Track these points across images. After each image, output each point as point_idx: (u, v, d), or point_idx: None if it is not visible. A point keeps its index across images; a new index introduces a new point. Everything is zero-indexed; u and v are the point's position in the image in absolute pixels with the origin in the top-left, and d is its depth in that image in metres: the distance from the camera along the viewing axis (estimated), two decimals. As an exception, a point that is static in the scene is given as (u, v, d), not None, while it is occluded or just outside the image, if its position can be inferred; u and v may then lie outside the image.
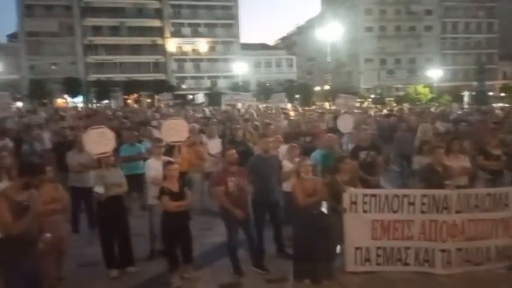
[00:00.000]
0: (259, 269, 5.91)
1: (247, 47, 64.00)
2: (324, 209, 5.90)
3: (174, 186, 5.65)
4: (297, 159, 6.39)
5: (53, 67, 57.18)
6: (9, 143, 9.05)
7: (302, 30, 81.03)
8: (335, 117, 12.48)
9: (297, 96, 50.43)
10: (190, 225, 5.88)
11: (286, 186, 6.54)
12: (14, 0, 55.18)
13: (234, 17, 63.04)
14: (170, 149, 7.38)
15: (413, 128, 11.68)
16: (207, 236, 7.20)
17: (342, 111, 14.73)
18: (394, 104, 41.63)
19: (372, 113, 21.95)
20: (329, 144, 7.47)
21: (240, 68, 52.95)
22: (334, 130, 9.50)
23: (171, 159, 6.47)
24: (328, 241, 5.57)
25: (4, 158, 5.45)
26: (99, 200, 5.95)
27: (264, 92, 49.74)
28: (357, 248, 5.72)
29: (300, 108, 24.89)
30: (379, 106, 34.39)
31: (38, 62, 56.75)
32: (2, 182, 5.05)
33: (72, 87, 52.72)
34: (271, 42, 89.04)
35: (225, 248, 6.04)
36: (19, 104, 41.49)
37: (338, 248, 5.89)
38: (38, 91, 48.44)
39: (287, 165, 6.66)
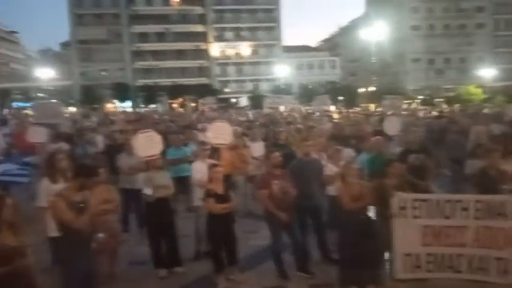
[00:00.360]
0: (304, 273, 5.86)
1: (289, 49, 64.01)
2: (371, 214, 5.76)
3: (219, 189, 5.73)
4: (341, 163, 6.29)
5: (103, 73, 59.96)
6: (64, 146, 9.52)
7: (345, 31, 79.87)
8: (381, 119, 12.17)
9: (341, 98, 49.70)
10: (235, 228, 5.94)
11: (331, 189, 6.45)
12: (66, 9, 58.27)
13: (275, 19, 63.28)
14: (215, 152, 7.49)
15: (466, 130, 11.12)
16: (251, 239, 7.24)
17: (389, 113, 14.34)
18: (445, 105, 39.97)
19: (420, 114, 21.20)
20: (376, 147, 7.30)
21: (282, 71, 53.08)
22: (380, 133, 9.26)
23: (216, 162, 6.57)
24: (376, 247, 5.42)
25: (60, 161, 5.73)
26: (148, 202, 6.13)
27: (306, 94, 49.44)
28: (407, 255, 5.53)
29: (344, 111, 24.50)
30: (428, 107, 33.16)
31: (89, 69, 59.70)
32: (59, 184, 5.32)
33: (121, 92, 54.96)
34: (313, 44, 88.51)
35: (270, 251, 6.04)
36: (72, 109, 43.70)
37: (386, 254, 5.72)
38: (89, 96, 50.83)
39: (331, 168, 6.56)
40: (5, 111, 33.57)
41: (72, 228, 3.99)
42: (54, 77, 52.35)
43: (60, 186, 5.03)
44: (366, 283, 5.31)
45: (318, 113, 18.74)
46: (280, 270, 5.83)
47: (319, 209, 6.33)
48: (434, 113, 22.17)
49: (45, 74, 46.24)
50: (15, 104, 52.70)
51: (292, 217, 5.90)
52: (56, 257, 5.09)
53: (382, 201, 5.56)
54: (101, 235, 4.54)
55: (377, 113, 18.28)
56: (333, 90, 49.93)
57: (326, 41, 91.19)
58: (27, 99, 56.90)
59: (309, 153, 6.59)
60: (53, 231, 5.05)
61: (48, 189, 5.45)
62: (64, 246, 4.03)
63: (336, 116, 18.88)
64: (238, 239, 5.96)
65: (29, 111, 36.17)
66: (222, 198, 5.66)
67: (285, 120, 15.37)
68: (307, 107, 25.80)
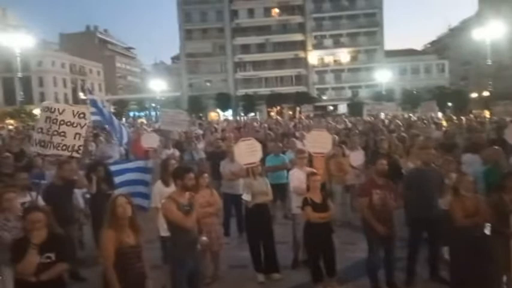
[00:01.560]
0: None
1: (391, 53, 61.19)
2: (487, 231, 5.20)
3: (317, 197, 5.68)
4: (453, 175, 5.80)
5: (208, 84, 63.84)
6: (176, 152, 10.30)
7: (455, 32, 73.87)
8: (498, 127, 10.97)
9: (450, 104, 46.00)
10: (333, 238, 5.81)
11: (442, 203, 5.96)
12: (177, 26, 63.29)
13: (378, 24, 61.07)
14: (312, 160, 7.45)
15: None
16: (349, 250, 7.02)
17: (508, 120, 12.87)
18: None
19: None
20: (493, 158, 6.60)
21: (384, 76, 50.81)
22: (497, 142, 8.34)
23: (314, 170, 6.53)
24: (491, 268, 4.89)
25: (172, 166, 6.24)
26: (247, 207, 6.32)
27: (411, 100, 46.74)
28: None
29: (454, 117, 22.61)
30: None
31: (196, 80, 63.99)
32: (170, 187, 5.76)
33: (223, 101, 57.83)
34: (418, 47, 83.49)
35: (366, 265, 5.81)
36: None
37: (503, 277, 5.12)
38: (195, 106, 54.21)
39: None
40: (123, 120, 37.39)
41: (181, 229, 4.29)
42: (166, 89, 56.96)
43: (171, 189, 5.44)
44: (479, 308, 4.82)
45: (425, 121, 17.54)
46: (375, 286, 5.58)
47: (437, 222, 5.77)
48: None
49: (158, 85, 50.57)
50: (131, 113, 58.67)
51: (391, 231, 5.58)
52: (166, 256, 5.50)
53: (499, 217, 5.01)
54: (204, 238, 4.79)
55: (493, 120, 16.49)
56: (441, 96, 46.34)
57: (433, 43, 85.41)
58: (142, 109, 62.91)
59: (429, 162, 6.14)
60: (164, 231, 5.48)
61: (161, 192, 5.95)
62: (173, 245, 4.35)
63: (444, 123, 17.47)
64: (336, 250, 5.83)
65: (143, 120, 40.00)
66: (320, 207, 5.60)
67: (387, 128, 14.70)
68: (411, 114, 24.31)
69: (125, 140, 11.25)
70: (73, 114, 5.90)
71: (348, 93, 60.61)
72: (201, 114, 51.83)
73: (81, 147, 5.95)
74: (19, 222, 4.48)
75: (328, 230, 5.72)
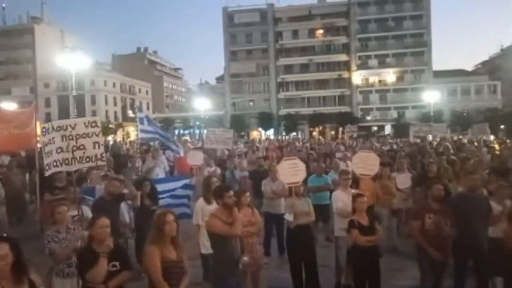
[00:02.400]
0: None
1: (440, 74, 59.43)
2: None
3: (364, 220, 5.52)
4: (508, 201, 5.46)
5: (250, 103, 64.72)
6: (217, 170, 10.43)
7: (508, 52, 70.68)
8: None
9: (502, 126, 43.74)
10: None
11: (494, 231, 5.61)
12: (222, 47, 65.07)
13: (425, 44, 59.73)
14: (356, 181, 7.28)
15: None
16: (396, 278, 6.71)
17: None
18: None
19: None
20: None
21: (432, 97, 49.29)
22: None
23: (360, 191, 6.36)
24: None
25: (215, 183, 6.31)
26: (289, 227, 6.24)
27: (460, 122, 44.92)
28: None
29: (507, 141, 21.43)
30: None
31: (239, 100, 65.09)
32: (212, 205, 5.81)
33: (265, 121, 58.27)
34: (468, 67, 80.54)
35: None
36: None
37: None
38: (238, 124, 54.89)
39: (495, 207, 5.73)
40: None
41: (224, 247, 4.30)
42: (209, 107, 58.28)
43: (213, 206, 5.50)
44: None
45: (476, 143, 16.76)
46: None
47: (482, 250, 5.51)
48: None
49: (202, 104, 51.77)
50: (176, 131, 60.25)
51: (446, 259, 5.28)
52: (207, 273, 5.51)
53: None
54: (245, 258, 4.76)
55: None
56: (493, 118, 44.22)
57: (484, 63, 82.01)
58: (186, 127, 64.53)
59: (475, 188, 5.87)
60: (205, 249, 5.50)
61: (203, 209, 6.01)
62: (216, 263, 4.35)
63: (497, 147, 16.60)
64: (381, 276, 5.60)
65: (187, 138, 40.97)
66: (367, 230, 5.43)
67: (435, 151, 14.15)
68: (461, 136, 23.28)
69: (182, 153, 11.58)
70: (85, 125, 5.97)
71: (394, 113, 59.24)
72: (243, 133, 52.41)
73: (103, 155, 6.09)
74: (68, 234, 4.68)
75: (376, 254, 5.52)
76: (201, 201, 6.41)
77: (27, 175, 11.56)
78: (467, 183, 5.92)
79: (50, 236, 4.65)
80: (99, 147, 5.98)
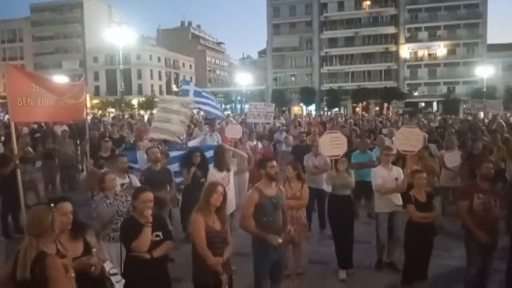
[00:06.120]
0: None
1: (495, 48, 55.64)
2: None
3: (422, 196, 5.38)
4: None
5: (292, 78, 63.94)
6: (259, 144, 10.46)
7: None
8: None
9: None
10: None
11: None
12: (265, 20, 64.08)
13: (480, 15, 55.88)
14: (399, 158, 7.07)
15: None
16: (440, 257, 6.48)
17: None
18: None
19: None
20: None
21: (485, 72, 46.47)
22: None
23: (417, 167, 6.16)
24: None
25: (228, 152, 7.10)
26: (330, 201, 6.19)
27: (515, 99, 42.25)
28: None
29: None
30: None
31: (280, 74, 64.41)
32: (223, 172, 6.53)
33: (307, 96, 57.45)
34: (528, 40, 74.83)
35: (461, 275, 5.33)
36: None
37: None
38: (279, 100, 54.55)
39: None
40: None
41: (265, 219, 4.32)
42: (251, 82, 58.09)
43: (224, 174, 6.50)
44: None
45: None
46: (471, 299, 5.10)
47: None
48: None
49: (244, 79, 51.72)
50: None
51: (495, 241, 5.04)
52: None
53: None
54: (289, 228, 4.77)
55: None
56: (554, 95, 41.23)
57: (547, 36, 75.96)
58: (228, 101, 64.97)
59: None
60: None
61: (215, 177, 6.29)
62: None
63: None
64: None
65: (229, 112, 41.22)
66: (423, 207, 5.29)
67: (487, 128, 13.44)
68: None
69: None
70: (182, 105, 7.41)
71: (443, 89, 56.51)
72: (284, 108, 52.03)
73: (183, 133, 6.92)
74: (116, 200, 4.88)
75: (432, 231, 5.40)
76: (212, 169, 6.72)
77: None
78: None
79: (97, 201, 4.88)
80: (182, 126, 7.52)
